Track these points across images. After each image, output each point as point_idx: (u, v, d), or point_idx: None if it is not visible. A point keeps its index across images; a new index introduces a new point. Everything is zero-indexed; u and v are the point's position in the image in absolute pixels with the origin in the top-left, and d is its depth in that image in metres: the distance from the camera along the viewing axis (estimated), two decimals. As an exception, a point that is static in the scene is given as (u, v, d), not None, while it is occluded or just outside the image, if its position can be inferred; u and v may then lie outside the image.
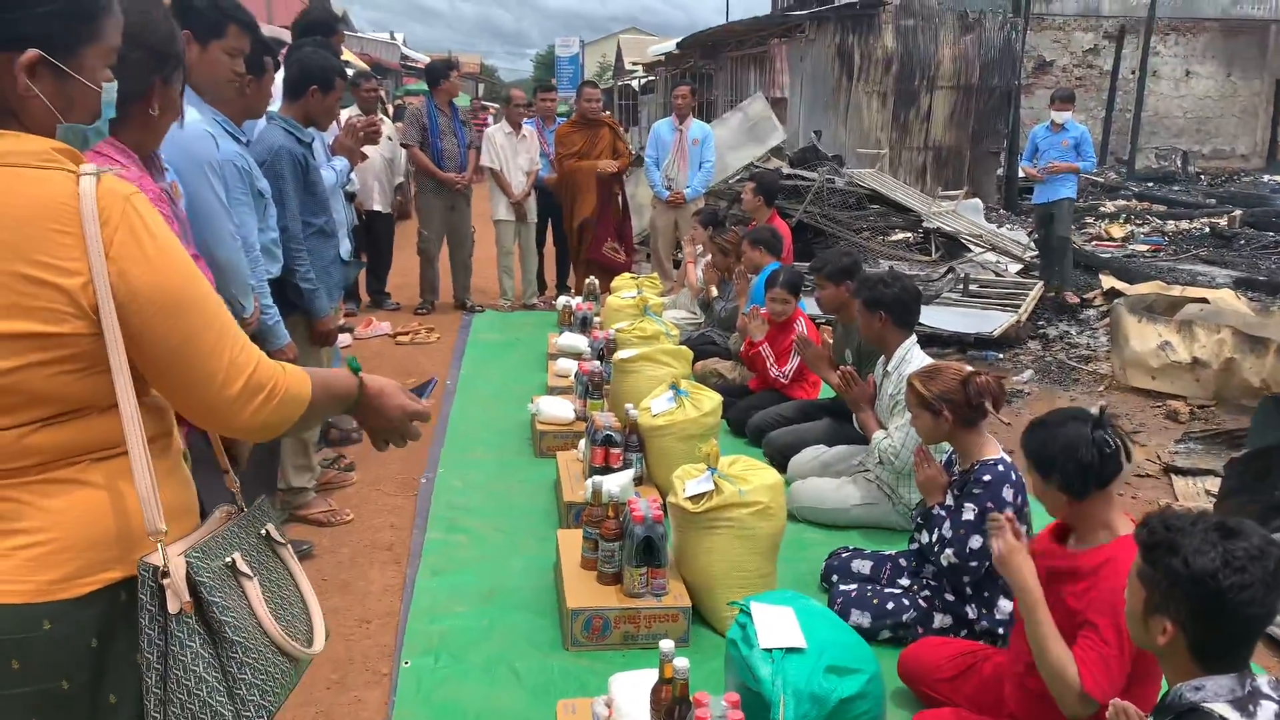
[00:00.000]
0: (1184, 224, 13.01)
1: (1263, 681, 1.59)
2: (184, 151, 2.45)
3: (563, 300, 6.94)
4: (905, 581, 3.19)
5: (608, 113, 8.70)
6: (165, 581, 1.30)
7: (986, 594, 2.98)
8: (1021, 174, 10.00)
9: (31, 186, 1.24)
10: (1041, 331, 7.68)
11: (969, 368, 3.17)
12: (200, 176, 2.65)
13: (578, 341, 5.80)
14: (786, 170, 10.94)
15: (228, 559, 1.41)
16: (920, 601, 3.07)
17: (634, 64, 32.32)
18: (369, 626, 3.14)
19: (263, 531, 1.54)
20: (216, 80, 2.84)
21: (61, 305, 1.24)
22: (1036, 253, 9.15)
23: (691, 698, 2.09)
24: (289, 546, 1.58)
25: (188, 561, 1.33)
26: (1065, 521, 2.32)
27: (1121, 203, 14.99)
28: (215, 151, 2.74)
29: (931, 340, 7.21)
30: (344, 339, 6.60)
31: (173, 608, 1.30)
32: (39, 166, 1.25)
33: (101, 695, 1.33)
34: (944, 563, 2.95)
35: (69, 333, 1.25)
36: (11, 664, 1.25)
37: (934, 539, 3.00)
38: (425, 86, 8.01)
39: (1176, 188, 17.48)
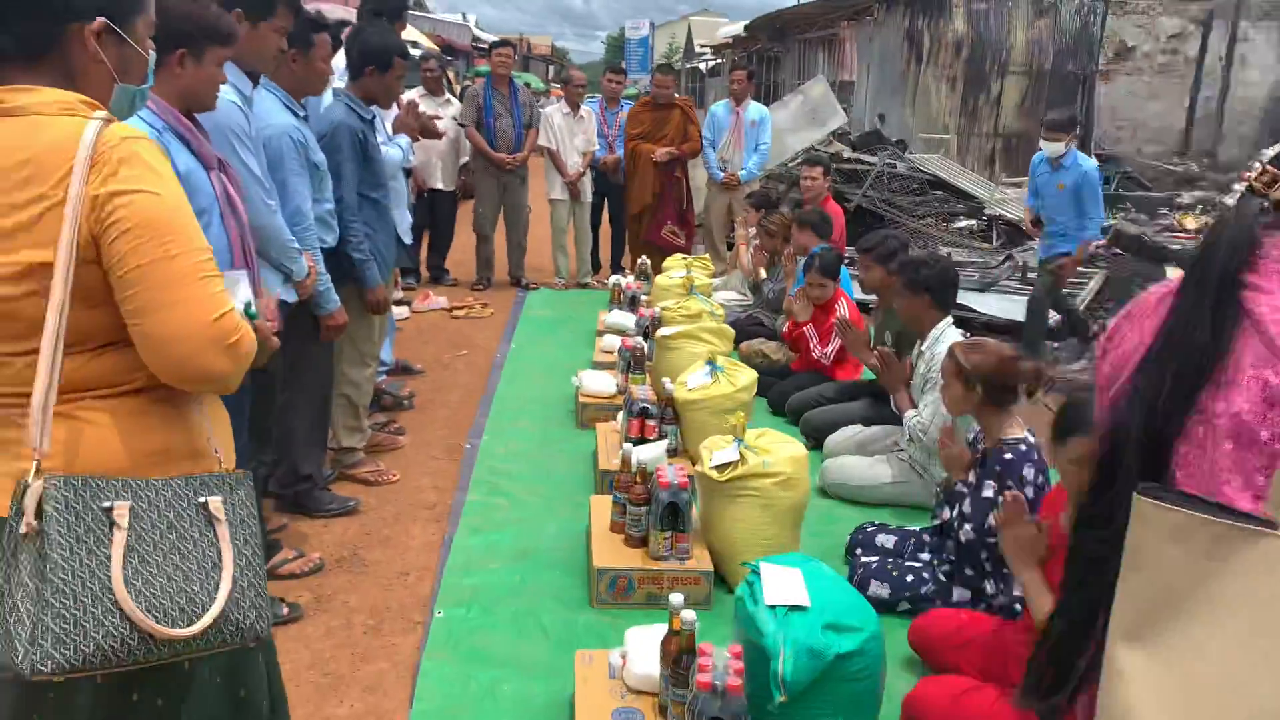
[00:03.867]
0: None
1: None
2: (210, 120, 2.59)
3: (614, 279, 7.06)
4: (926, 556, 3.25)
5: (683, 96, 8.79)
6: (25, 501, 1.33)
7: (1005, 570, 3.02)
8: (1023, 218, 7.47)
9: (47, 132, 1.40)
10: (1100, 320, 7.57)
11: (1011, 349, 3.19)
12: (226, 145, 2.75)
13: (626, 319, 5.91)
14: (848, 154, 10.88)
15: (108, 504, 1.38)
16: (940, 575, 3.13)
17: (702, 46, 32.19)
18: (407, 578, 3.31)
19: (201, 500, 1.49)
20: (264, 56, 3.00)
21: (51, 235, 1.37)
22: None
23: (697, 648, 2.20)
24: (229, 525, 1.50)
25: (44, 487, 1.34)
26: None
27: (1200, 194, 14.53)
28: (242, 121, 2.85)
29: (988, 328, 7.16)
30: (402, 311, 6.83)
31: (21, 527, 1.33)
32: (56, 115, 1.41)
33: None
34: (963, 538, 3.00)
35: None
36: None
37: (954, 514, 3.06)
38: (488, 68, 8.18)
39: (1261, 179, 16.84)
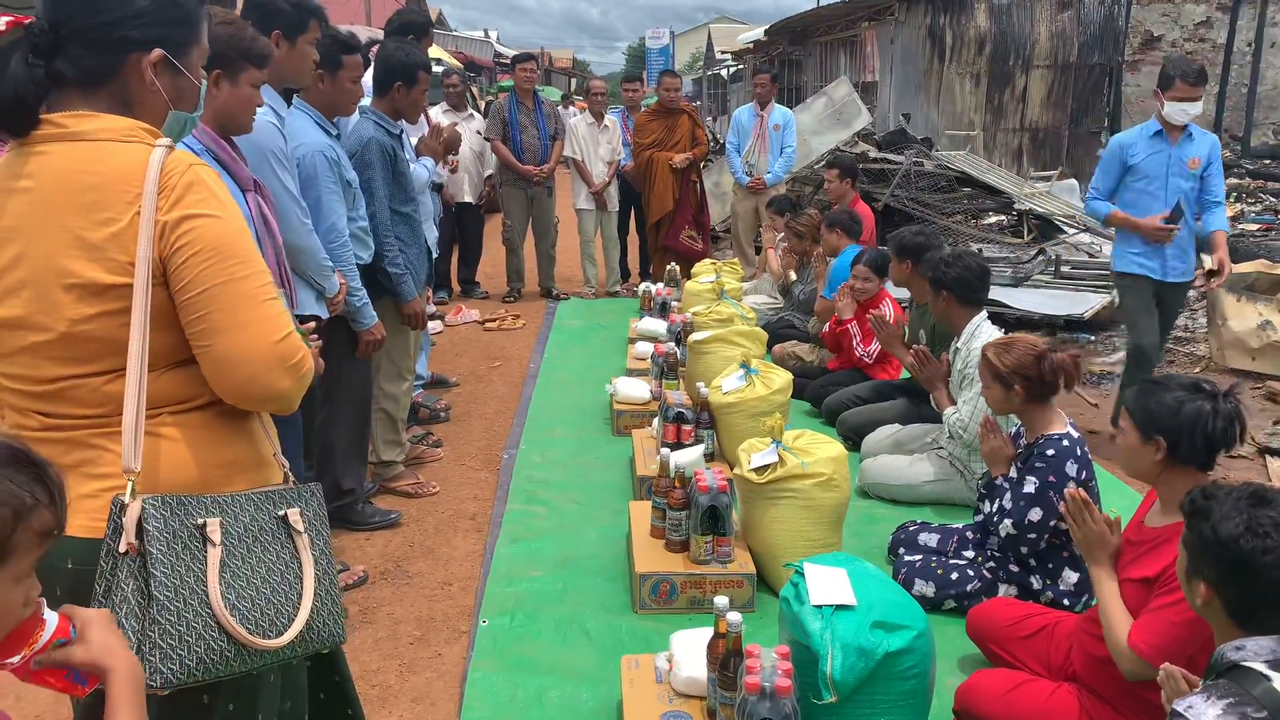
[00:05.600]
0: (1301, 202, 12.36)
1: None
2: (249, 141, 2.62)
3: (644, 286, 7.08)
4: (970, 554, 3.21)
5: (686, 100, 8.78)
6: (125, 520, 1.36)
7: (1050, 565, 2.99)
8: (1099, 221, 5.36)
9: (113, 157, 1.44)
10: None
11: (1044, 343, 3.16)
12: (265, 165, 2.78)
13: (657, 326, 5.92)
14: (874, 154, 10.83)
15: (200, 521, 1.42)
16: (985, 572, 3.10)
17: (723, 53, 32.21)
18: (450, 589, 3.33)
19: (281, 514, 1.54)
20: (304, 71, 3.04)
21: (124, 257, 1.41)
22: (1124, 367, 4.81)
23: (744, 649, 2.19)
24: (308, 536, 1.56)
25: (143, 506, 1.37)
26: (1151, 485, 2.35)
27: (1234, 181, 14.30)
28: (280, 142, 2.89)
29: (1021, 323, 7.08)
30: (435, 325, 6.88)
31: (120, 546, 1.36)
32: (121, 141, 1.45)
33: None
34: (1003, 533, 2.97)
35: (131, 283, 1.41)
36: (97, 588, 1.41)
37: (994, 509, 3.03)
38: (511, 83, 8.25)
39: (1296, 164, 16.55)
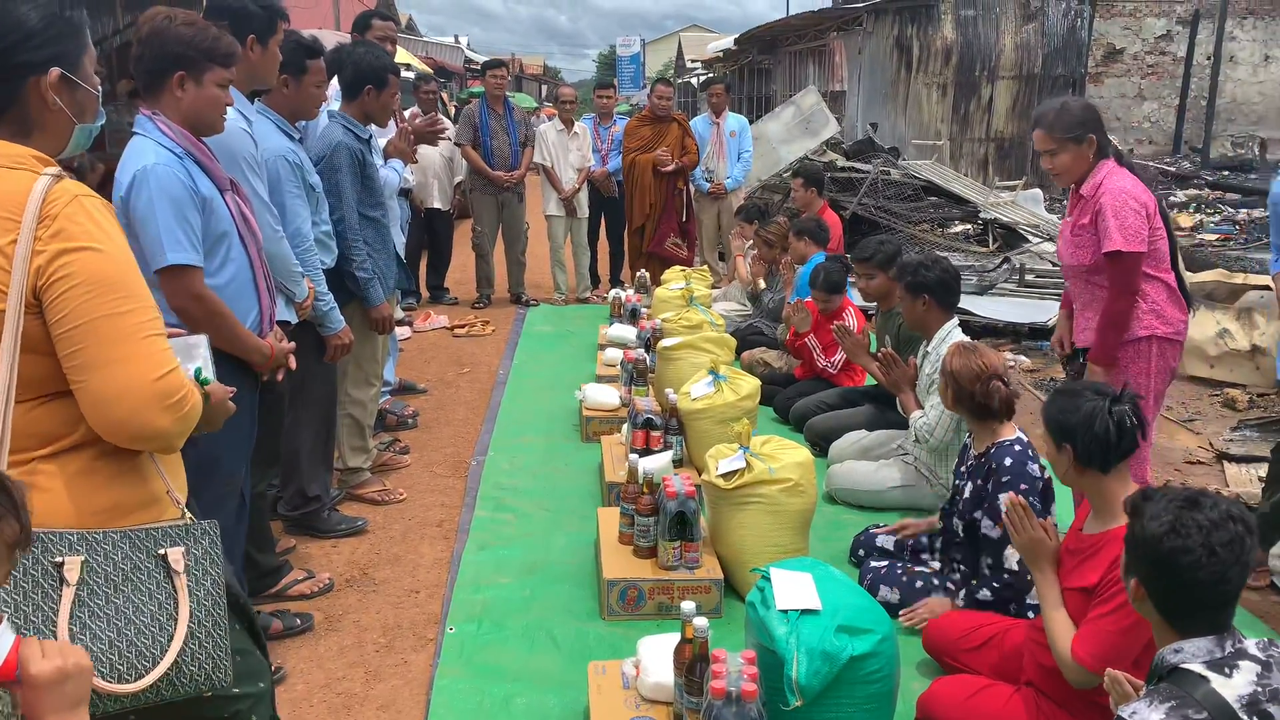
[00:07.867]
0: (1257, 212, 12.62)
1: (1251, 644, 1.63)
2: (221, 147, 2.60)
3: (614, 293, 7.08)
4: (936, 564, 3.24)
5: (679, 111, 8.85)
6: None
7: (1024, 571, 3.00)
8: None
9: None
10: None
11: (1001, 367, 3.09)
12: (237, 170, 2.75)
13: (627, 332, 5.93)
14: (842, 163, 10.92)
15: (59, 559, 1.37)
16: (949, 584, 3.11)
17: (693, 61, 32.38)
18: (417, 596, 3.31)
19: (161, 553, 1.48)
20: (275, 73, 3.03)
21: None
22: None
23: (710, 654, 2.19)
24: (189, 576, 1.49)
25: None
26: (1078, 490, 2.39)
27: (1193, 191, 14.58)
28: (252, 147, 2.86)
29: (986, 330, 7.17)
30: (404, 331, 6.84)
31: None
32: (6, 167, 1.40)
33: None
34: (1017, 567, 2.86)
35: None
36: None
37: (980, 516, 2.94)
38: (482, 89, 8.24)
39: (1254, 175, 16.91)
